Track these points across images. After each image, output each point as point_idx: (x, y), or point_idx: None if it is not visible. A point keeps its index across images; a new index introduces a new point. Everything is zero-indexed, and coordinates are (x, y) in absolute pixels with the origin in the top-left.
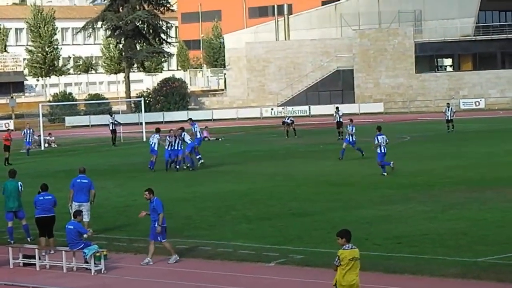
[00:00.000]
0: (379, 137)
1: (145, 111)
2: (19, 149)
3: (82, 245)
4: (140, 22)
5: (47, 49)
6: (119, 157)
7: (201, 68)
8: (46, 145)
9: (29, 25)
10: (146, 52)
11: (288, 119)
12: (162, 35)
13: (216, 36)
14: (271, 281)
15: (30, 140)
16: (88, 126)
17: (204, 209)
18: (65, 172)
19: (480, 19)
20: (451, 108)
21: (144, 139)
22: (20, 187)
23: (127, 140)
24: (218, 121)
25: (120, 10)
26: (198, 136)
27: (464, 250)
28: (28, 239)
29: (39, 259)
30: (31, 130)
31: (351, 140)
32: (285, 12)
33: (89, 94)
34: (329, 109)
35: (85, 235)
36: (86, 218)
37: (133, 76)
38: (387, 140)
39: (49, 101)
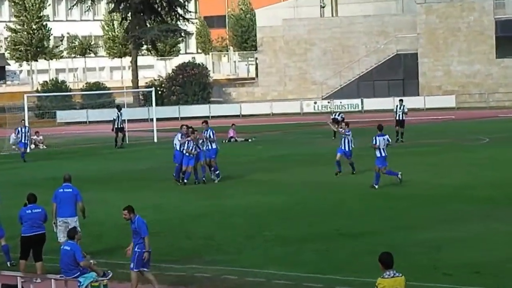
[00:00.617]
0: (379, 138)
1: (157, 105)
2: None
3: (78, 273)
4: None
5: (34, 26)
6: (123, 161)
7: (227, 51)
8: (33, 146)
9: None
10: (158, 31)
11: (338, 115)
12: (179, 10)
13: (246, 11)
14: None
15: (26, 141)
16: (85, 123)
17: (230, 227)
18: (56, 181)
19: None
20: None
21: (155, 139)
22: None
23: (134, 141)
24: (247, 117)
25: None
26: (213, 146)
27: None
28: (8, 263)
29: None
30: (26, 128)
31: (347, 149)
32: None
33: (86, 83)
34: (386, 103)
35: (81, 263)
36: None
37: (142, 60)
38: (389, 142)
39: (37, 91)
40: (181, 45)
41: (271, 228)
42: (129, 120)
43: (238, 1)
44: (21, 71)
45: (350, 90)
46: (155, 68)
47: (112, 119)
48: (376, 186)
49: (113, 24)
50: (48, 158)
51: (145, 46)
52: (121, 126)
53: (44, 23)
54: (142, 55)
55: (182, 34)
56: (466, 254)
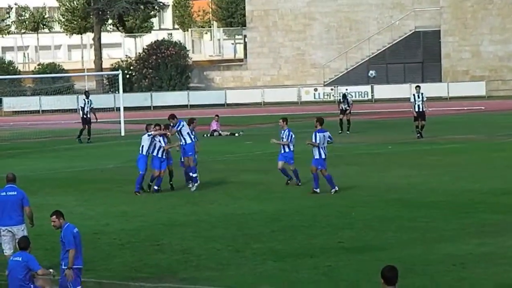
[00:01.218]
0: (320, 135)
1: (125, 91)
2: None
3: None
4: None
5: None
6: (83, 159)
7: (210, 27)
8: None
9: None
10: (126, 2)
11: (344, 101)
12: None
13: None
14: None
15: None
16: (37, 112)
17: (213, 239)
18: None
19: None
20: None
21: (123, 133)
22: None
23: (96, 134)
24: (234, 106)
25: None
26: (188, 140)
27: None
28: None
29: None
30: None
31: (285, 151)
32: None
33: (39, 65)
34: (402, 90)
35: (39, 271)
36: (10, 250)
37: (107, 38)
38: (331, 140)
39: None
40: (154, 20)
41: (262, 240)
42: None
43: None
44: None
45: (359, 75)
46: (123, 47)
47: (78, 107)
48: (318, 190)
49: None
50: None
51: (110, 21)
52: (89, 116)
53: None
54: (107, 31)
55: (156, 6)
56: (496, 273)
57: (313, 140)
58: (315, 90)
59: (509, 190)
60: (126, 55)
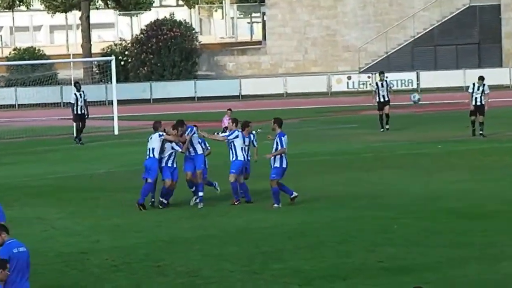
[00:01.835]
0: (283, 139)
1: (119, 81)
2: None
3: None
4: None
5: None
6: (68, 163)
7: (221, 3)
8: None
9: None
10: None
11: (382, 84)
12: None
13: None
14: None
15: None
16: (12, 106)
17: (224, 258)
18: None
19: None
20: None
21: (116, 131)
22: None
23: (85, 133)
24: (250, 99)
25: None
26: (199, 150)
27: None
28: None
29: None
30: None
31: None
32: None
33: (15, 49)
34: (454, 77)
35: None
36: None
37: (97, 16)
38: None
39: None
40: None
41: (284, 260)
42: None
43: None
44: None
45: (401, 59)
46: (116, 27)
47: (69, 102)
48: (278, 205)
49: None
50: None
51: None
52: (82, 112)
53: None
54: (97, 8)
55: None
56: None
57: (280, 146)
58: (349, 78)
59: None
60: (121, 38)
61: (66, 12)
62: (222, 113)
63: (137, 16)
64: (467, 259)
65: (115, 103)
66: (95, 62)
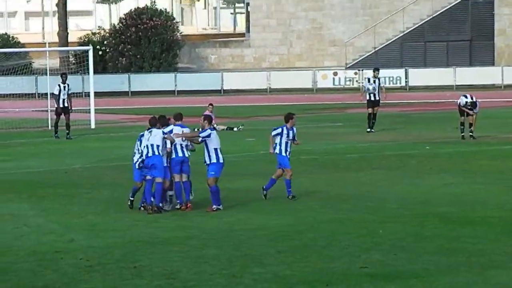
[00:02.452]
0: (290, 132)
1: (97, 72)
2: None
3: None
4: None
5: None
6: (43, 158)
7: None
8: None
9: None
10: None
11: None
12: None
13: None
14: None
15: None
16: None
17: (204, 261)
18: None
19: None
20: None
21: (93, 125)
22: None
23: (60, 126)
24: (232, 94)
25: None
26: (180, 151)
27: None
28: None
29: None
30: None
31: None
32: None
33: None
34: (444, 75)
35: None
36: None
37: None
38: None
39: None
40: None
41: (265, 263)
42: (53, 95)
43: None
44: None
45: (389, 55)
46: (94, 16)
47: (52, 93)
48: (292, 196)
49: None
50: None
51: None
52: (64, 105)
53: None
54: None
55: None
56: None
57: (277, 138)
58: (335, 74)
59: None
60: (99, 26)
61: None
62: (203, 108)
63: (116, 3)
64: (456, 267)
65: (92, 95)
66: (72, 52)
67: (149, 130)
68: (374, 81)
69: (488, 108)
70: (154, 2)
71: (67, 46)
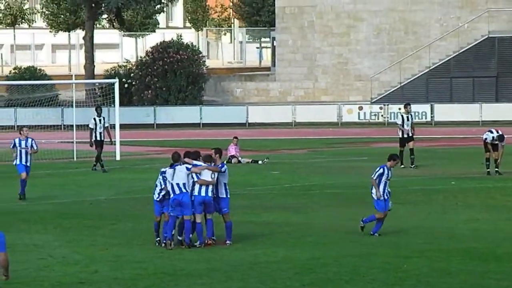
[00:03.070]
0: (389, 173)
1: (123, 104)
2: None
3: None
4: None
5: None
6: (69, 189)
7: (229, 26)
8: None
9: None
10: None
11: (408, 118)
12: None
13: None
14: None
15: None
16: (11, 128)
17: None
18: None
19: None
20: None
21: (118, 157)
22: None
23: (84, 157)
24: (257, 127)
25: None
26: (204, 191)
27: None
28: None
29: None
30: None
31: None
32: None
33: (15, 68)
34: (470, 111)
35: None
36: None
37: (101, 37)
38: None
39: None
40: (161, 16)
41: None
42: (79, 126)
43: None
44: None
45: (415, 90)
46: (121, 49)
47: (89, 127)
48: (376, 234)
49: None
50: None
51: (105, 16)
52: (101, 138)
53: None
54: (101, 28)
55: (162, 0)
56: None
57: (376, 177)
58: (360, 108)
59: None
60: (125, 59)
61: (69, 31)
62: (228, 141)
63: (142, 37)
64: None
65: (117, 127)
66: (98, 84)
67: (172, 167)
68: (408, 118)
69: None
70: (181, 36)
71: (93, 78)
